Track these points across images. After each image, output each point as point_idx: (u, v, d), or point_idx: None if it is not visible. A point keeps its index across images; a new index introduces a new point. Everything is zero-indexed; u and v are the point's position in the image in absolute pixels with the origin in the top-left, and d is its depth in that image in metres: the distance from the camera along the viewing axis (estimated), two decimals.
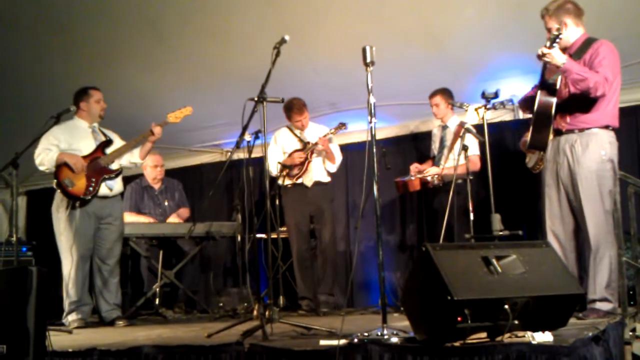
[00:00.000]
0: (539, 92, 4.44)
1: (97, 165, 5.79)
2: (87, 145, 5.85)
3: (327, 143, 6.44)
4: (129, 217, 7.08)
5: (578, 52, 4.44)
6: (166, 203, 7.38)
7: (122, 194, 6.16)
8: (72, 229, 5.68)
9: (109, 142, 5.96)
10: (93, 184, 5.72)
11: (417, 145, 7.22)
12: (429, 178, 6.19)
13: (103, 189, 5.79)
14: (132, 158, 6.08)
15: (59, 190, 5.73)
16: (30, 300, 3.49)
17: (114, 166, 5.90)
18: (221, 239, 7.22)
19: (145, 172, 7.37)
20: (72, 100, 5.87)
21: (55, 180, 5.71)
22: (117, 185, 5.93)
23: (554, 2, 4.54)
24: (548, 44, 4.26)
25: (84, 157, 5.77)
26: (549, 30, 4.52)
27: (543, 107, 4.42)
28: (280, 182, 6.60)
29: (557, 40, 4.24)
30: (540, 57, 4.29)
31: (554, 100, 4.40)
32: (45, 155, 5.70)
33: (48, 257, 5.84)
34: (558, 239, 4.60)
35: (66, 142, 5.78)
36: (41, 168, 5.79)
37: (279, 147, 6.69)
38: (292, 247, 6.64)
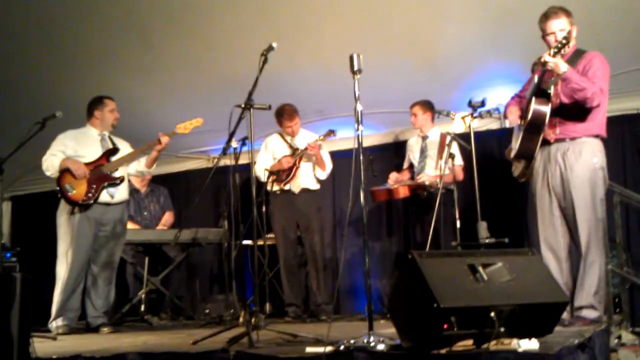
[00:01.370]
0: (533, 100, 4.43)
1: (100, 173, 5.80)
2: (93, 152, 5.88)
3: (317, 149, 6.42)
4: None
5: (569, 62, 4.45)
6: (152, 207, 7.37)
7: (127, 202, 6.14)
8: (70, 234, 5.70)
9: (114, 150, 5.96)
10: (93, 191, 5.72)
11: (401, 153, 7.24)
12: (427, 183, 6.19)
13: (104, 196, 5.79)
14: (139, 167, 6.12)
15: (59, 195, 5.76)
16: (14, 307, 3.47)
17: (118, 174, 5.88)
18: (207, 246, 7.22)
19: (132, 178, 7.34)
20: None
21: (57, 186, 5.74)
22: (119, 192, 5.90)
23: (556, 7, 4.53)
24: (552, 51, 4.26)
25: (88, 164, 5.78)
26: (549, 34, 4.51)
27: (537, 115, 4.41)
28: (268, 187, 6.58)
29: (562, 48, 4.25)
30: (544, 64, 4.29)
31: (548, 109, 4.41)
32: (50, 161, 5.75)
33: (33, 263, 5.80)
34: (552, 249, 4.60)
35: (73, 149, 5.82)
36: (47, 173, 5.82)
37: (269, 154, 6.68)
38: (279, 253, 6.62)
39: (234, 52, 6.51)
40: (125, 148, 6.08)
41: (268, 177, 6.54)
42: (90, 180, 5.74)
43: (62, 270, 5.70)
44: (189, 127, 5.94)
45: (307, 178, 6.58)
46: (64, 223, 5.75)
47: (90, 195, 5.71)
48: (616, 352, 4.83)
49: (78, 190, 5.71)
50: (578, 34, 4.55)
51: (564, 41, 4.24)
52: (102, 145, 5.96)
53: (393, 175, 6.47)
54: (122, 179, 5.90)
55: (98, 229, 5.82)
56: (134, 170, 6.12)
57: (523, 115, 4.64)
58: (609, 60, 4.53)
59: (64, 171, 5.72)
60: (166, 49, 6.77)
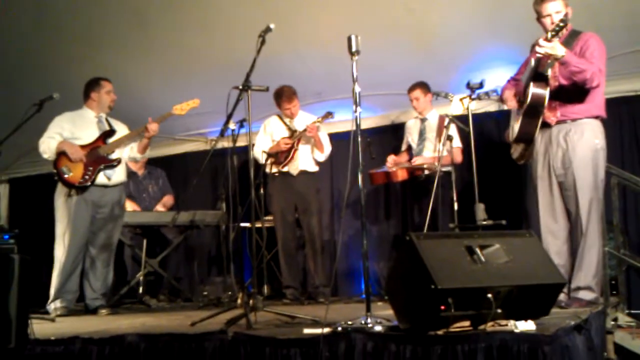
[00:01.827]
0: (531, 84, 4.42)
1: (96, 154, 5.79)
2: (89, 134, 5.86)
3: (316, 130, 6.40)
4: None
5: (565, 44, 4.43)
6: (150, 189, 7.37)
7: (124, 184, 6.13)
8: (67, 217, 5.70)
9: (111, 132, 5.95)
10: (89, 173, 5.72)
11: (398, 136, 7.23)
12: (425, 166, 6.19)
13: (101, 178, 5.79)
14: (131, 153, 6.10)
15: (56, 178, 5.76)
16: (13, 288, 3.48)
17: (114, 156, 5.88)
18: (205, 228, 7.23)
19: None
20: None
21: (54, 168, 5.74)
22: (116, 174, 5.90)
23: None
24: (549, 35, 4.24)
25: (84, 146, 5.77)
26: (545, 16, 4.49)
27: (536, 99, 4.41)
28: (267, 170, 6.58)
29: (560, 31, 4.24)
30: (542, 48, 4.27)
31: (547, 92, 4.40)
32: (47, 144, 5.75)
33: (32, 245, 5.80)
34: (551, 231, 4.61)
35: (69, 131, 5.81)
36: (44, 156, 5.81)
37: (268, 136, 6.67)
38: (277, 236, 6.62)
39: (231, 33, 6.48)
40: (122, 130, 6.06)
41: (266, 160, 6.53)
42: (87, 163, 5.73)
43: (59, 252, 5.71)
44: (186, 108, 5.94)
45: (305, 160, 6.57)
46: (62, 205, 5.76)
47: (87, 177, 5.71)
48: (612, 334, 4.86)
49: (75, 173, 5.70)
50: (575, 16, 4.53)
51: (561, 24, 4.21)
52: (99, 127, 5.95)
53: (391, 158, 6.47)
54: (119, 161, 5.89)
55: (95, 211, 5.82)
56: (127, 156, 6.09)
57: (521, 99, 4.63)
58: (606, 43, 4.52)
59: (61, 154, 5.71)
60: (164, 31, 6.74)
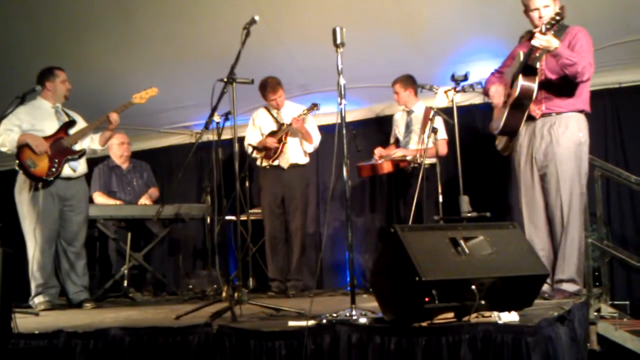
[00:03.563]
0: (520, 77, 4.42)
1: (60, 146, 5.71)
2: (50, 125, 5.76)
3: (301, 123, 6.39)
4: (100, 199, 7.04)
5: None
6: (135, 182, 7.33)
7: (86, 175, 6.07)
8: (35, 211, 5.60)
9: (72, 123, 5.88)
10: (56, 165, 5.65)
11: (384, 129, 7.23)
12: (408, 158, 6.20)
13: (66, 170, 5.72)
14: (92, 144, 5.99)
15: (21, 172, 5.65)
16: None
17: (77, 147, 5.82)
18: (190, 221, 7.20)
19: (112, 152, 7.30)
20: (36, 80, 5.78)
21: (17, 162, 5.62)
22: (80, 166, 5.85)
23: None
24: (544, 27, 4.24)
25: (47, 138, 5.68)
26: (533, 10, 4.47)
27: (525, 92, 4.42)
28: (258, 163, 6.58)
29: (555, 25, 4.25)
30: (537, 41, 4.27)
31: (535, 85, 4.41)
32: (6, 137, 5.58)
33: (14, 238, 5.75)
34: (534, 223, 4.63)
35: (28, 122, 5.67)
36: (2, 149, 5.67)
37: (256, 128, 6.66)
38: (265, 228, 6.63)
39: (216, 26, 6.46)
40: (79, 120, 5.98)
41: (251, 153, 6.53)
42: (52, 155, 5.65)
43: (32, 248, 5.62)
44: (145, 96, 5.89)
45: (295, 153, 6.56)
46: (27, 201, 5.64)
47: (53, 170, 5.63)
48: (595, 324, 4.91)
49: (40, 166, 5.61)
50: None
51: (557, 17, 4.22)
52: (58, 118, 5.85)
53: (378, 151, 6.47)
54: (83, 152, 5.85)
55: (62, 204, 5.76)
56: (88, 147, 5.96)
57: (507, 93, 4.64)
58: (591, 35, 4.53)
59: (22, 147, 5.59)
60: (148, 24, 6.71)
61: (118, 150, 7.28)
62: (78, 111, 6.10)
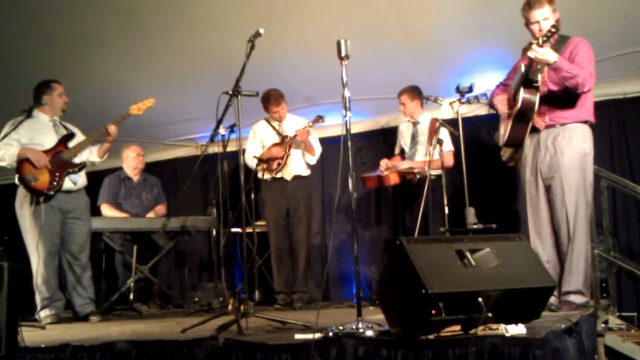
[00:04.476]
0: (521, 90, 4.44)
1: (60, 160, 5.72)
2: (49, 139, 5.77)
3: (306, 135, 6.41)
4: (107, 211, 7.06)
5: (554, 49, 4.44)
6: (144, 196, 7.34)
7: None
8: (37, 226, 5.59)
9: (71, 136, 5.89)
10: (57, 179, 5.66)
11: (389, 140, 7.23)
12: (416, 170, 6.19)
13: (67, 184, 5.73)
14: (90, 157, 6.00)
15: (22, 186, 5.66)
16: (2, 296, 3.45)
17: (77, 160, 5.85)
18: (196, 234, 7.20)
19: (126, 163, 7.36)
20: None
21: (17, 176, 5.63)
22: (81, 179, 5.87)
23: None
24: (540, 40, 4.26)
25: (47, 152, 5.69)
26: (533, 23, 4.50)
27: (526, 104, 4.43)
28: (259, 175, 6.58)
29: (551, 37, 4.26)
30: (533, 52, 4.28)
31: (537, 98, 4.42)
32: (6, 151, 5.58)
33: (19, 252, 5.76)
34: (540, 235, 4.63)
35: (27, 136, 5.67)
36: (2, 164, 5.66)
37: (257, 141, 6.67)
38: (270, 241, 6.63)
39: (221, 38, 6.47)
40: (77, 133, 6.00)
41: (257, 165, 6.53)
42: (52, 169, 5.66)
43: (35, 262, 5.61)
44: (142, 107, 5.92)
45: (298, 165, 6.58)
46: (29, 215, 5.63)
47: (55, 184, 5.64)
48: (603, 336, 4.88)
49: (41, 180, 5.61)
50: (562, 20, 4.56)
51: (552, 29, 4.23)
52: (56, 131, 5.86)
53: (384, 162, 6.46)
54: (83, 165, 5.87)
55: (64, 217, 5.77)
56: (86, 159, 5.97)
57: (511, 104, 4.65)
58: (594, 46, 4.55)
59: (22, 161, 5.59)
60: (153, 35, 6.72)
61: (133, 162, 7.32)
62: (81, 123, 6.13)
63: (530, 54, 4.30)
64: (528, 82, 4.45)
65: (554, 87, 4.49)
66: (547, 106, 4.54)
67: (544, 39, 4.25)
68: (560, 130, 4.52)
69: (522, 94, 4.43)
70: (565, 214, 4.47)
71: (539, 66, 4.41)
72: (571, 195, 4.46)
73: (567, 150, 4.48)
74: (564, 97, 4.48)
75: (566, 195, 4.46)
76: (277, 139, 6.57)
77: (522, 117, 4.49)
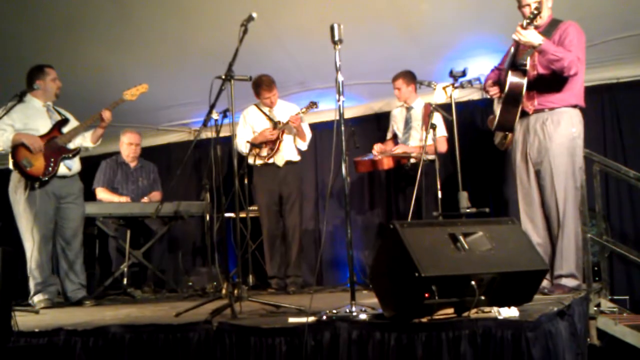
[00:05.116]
0: (509, 73, 4.45)
1: (55, 145, 5.70)
2: (43, 124, 5.74)
3: (299, 121, 6.40)
4: (102, 194, 7.05)
5: (545, 33, 4.46)
6: (140, 181, 7.33)
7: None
8: (32, 211, 5.57)
9: (65, 121, 5.87)
10: (52, 164, 5.64)
11: (382, 125, 7.23)
12: (412, 155, 6.19)
13: (62, 169, 5.71)
14: (84, 142, 5.98)
15: (16, 171, 5.63)
16: None
17: (71, 145, 5.83)
18: (190, 219, 7.20)
19: (121, 149, 7.34)
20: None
21: (12, 161, 5.60)
22: (75, 164, 5.86)
23: None
24: (524, 23, 4.26)
25: (41, 137, 5.66)
26: (524, 6, 4.50)
27: (514, 88, 4.44)
28: (250, 161, 6.57)
29: (534, 19, 4.26)
30: (517, 34, 4.29)
31: (524, 81, 4.43)
32: (0, 136, 5.55)
33: (13, 237, 5.76)
34: (531, 219, 4.65)
35: (21, 121, 5.64)
36: None
37: (248, 126, 6.64)
38: (262, 226, 6.63)
39: (214, 23, 6.43)
40: (71, 118, 5.97)
41: (250, 150, 6.51)
42: (47, 154, 5.63)
43: (29, 247, 5.60)
44: (136, 93, 5.90)
45: (289, 150, 6.57)
46: (23, 200, 5.61)
47: (50, 169, 5.62)
48: (595, 319, 4.92)
49: (36, 165, 5.59)
50: (556, 4, 4.56)
51: (535, 12, 4.26)
52: (50, 116, 5.83)
53: (377, 146, 6.46)
54: (78, 150, 5.85)
55: (58, 202, 5.76)
56: (79, 145, 5.95)
57: (501, 88, 4.65)
58: (589, 31, 4.55)
59: (17, 146, 5.56)
60: (146, 21, 6.67)
61: (126, 150, 7.31)
62: (74, 109, 6.09)
63: (514, 36, 4.32)
64: (516, 65, 4.46)
65: (543, 71, 4.50)
66: (536, 90, 4.54)
67: (527, 21, 4.27)
68: (549, 115, 4.53)
69: (510, 77, 4.44)
70: (554, 199, 4.49)
71: (527, 49, 4.41)
72: (560, 179, 4.47)
73: (556, 134, 4.49)
74: (553, 81, 4.48)
75: (555, 180, 4.48)
76: (268, 125, 6.55)
77: (511, 101, 4.50)
